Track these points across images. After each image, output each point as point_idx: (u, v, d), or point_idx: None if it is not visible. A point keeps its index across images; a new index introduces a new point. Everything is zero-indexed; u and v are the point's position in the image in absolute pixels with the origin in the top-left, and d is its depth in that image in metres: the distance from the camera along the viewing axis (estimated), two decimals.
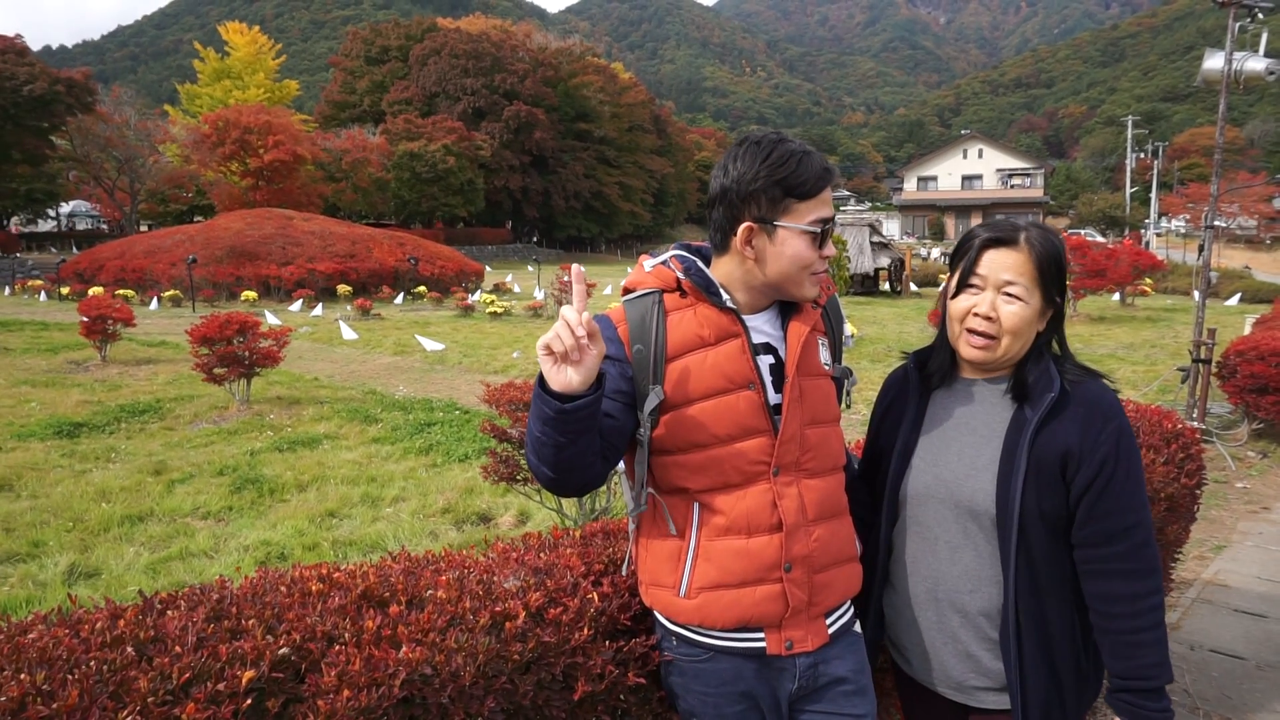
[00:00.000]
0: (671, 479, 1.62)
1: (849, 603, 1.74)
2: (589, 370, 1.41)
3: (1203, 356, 7.84)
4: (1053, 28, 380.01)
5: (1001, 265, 1.65)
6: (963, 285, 1.70)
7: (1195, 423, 7.59)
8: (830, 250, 1.59)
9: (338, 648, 1.34)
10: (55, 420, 8.77)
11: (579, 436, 1.45)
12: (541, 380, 1.43)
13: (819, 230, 1.55)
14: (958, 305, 1.70)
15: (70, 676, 1.18)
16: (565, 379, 1.40)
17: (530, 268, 44.89)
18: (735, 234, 1.56)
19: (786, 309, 1.67)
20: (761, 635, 1.60)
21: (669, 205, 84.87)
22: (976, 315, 1.66)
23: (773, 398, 1.60)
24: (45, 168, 44.25)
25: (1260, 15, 8.01)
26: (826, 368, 1.70)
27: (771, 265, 1.57)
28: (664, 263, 1.65)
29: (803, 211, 1.54)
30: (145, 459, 7.51)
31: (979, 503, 1.67)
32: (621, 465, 1.74)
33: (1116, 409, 1.65)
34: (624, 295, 1.69)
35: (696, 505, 1.61)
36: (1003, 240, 1.67)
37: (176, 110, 59.47)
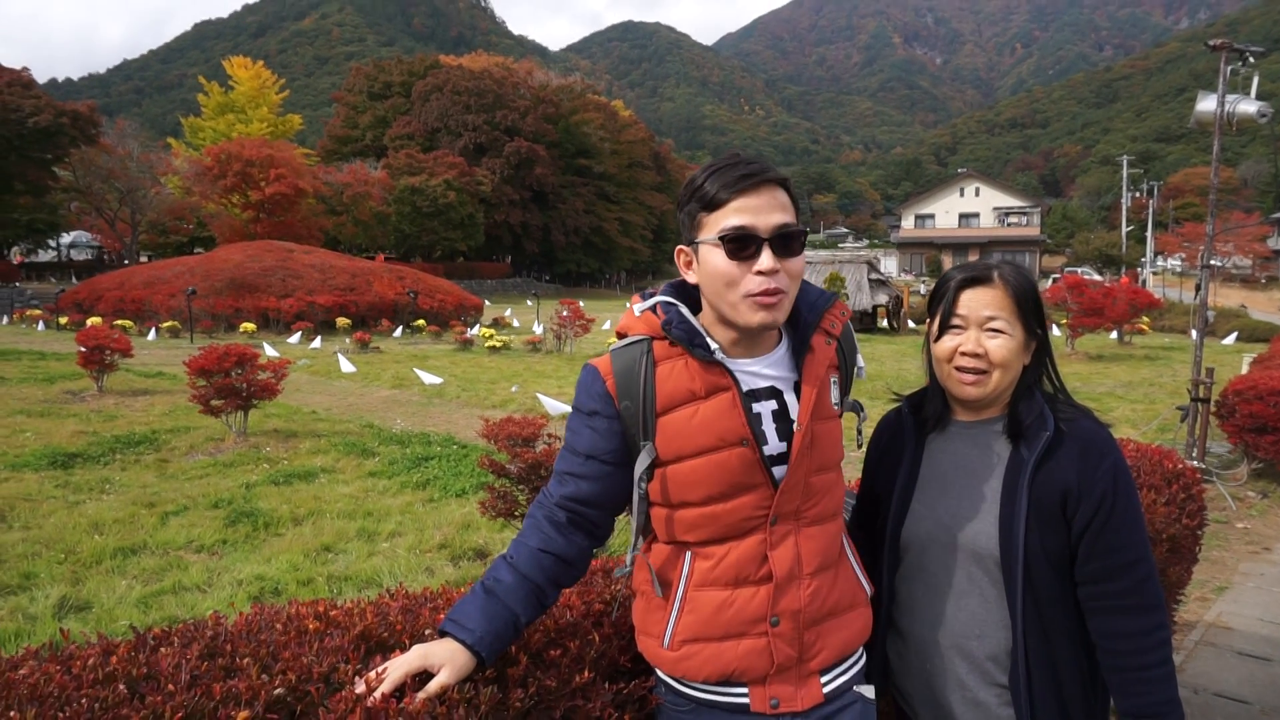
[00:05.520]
0: (668, 531, 1.56)
1: (854, 658, 1.63)
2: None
3: (1201, 395, 7.84)
4: (1047, 69, 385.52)
5: (980, 303, 1.69)
6: (945, 327, 1.73)
7: (1195, 462, 7.57)
8: (764, 264, 1.41)
9: (338, 695, 1.31)
10: (50, 450, 8.72)
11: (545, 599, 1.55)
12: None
13: (723, 239, 1.42)
14: (943, 347, 1.73)
15: (61, 714, 1.16)
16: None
17: (529, 302, 45.01)
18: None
19: (800, 348, 1.56)
20: (745, 690, 1.51)
21: (668, 241, 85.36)
22: (964, 354, 1.69)
23: (775, 447, 1.50)
24: (47, 198, 44.39)
25: (1251, 59, 8.12)
26: (836, 407, 1.61)
27: (705, 287, 1.49)
28: (652, 308, 1.55)
29: (713, 223, 1.44)
30: (139, 491, 7.46)
31: (982, 545, 1.66)
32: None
33: (1111, 445, 1.67)
34: (617, 339, 1.62)
35: (689, 554, 1.54)
36: (978, 279, 1.70)
37: (179, 143, 59.93)
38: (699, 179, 1.48)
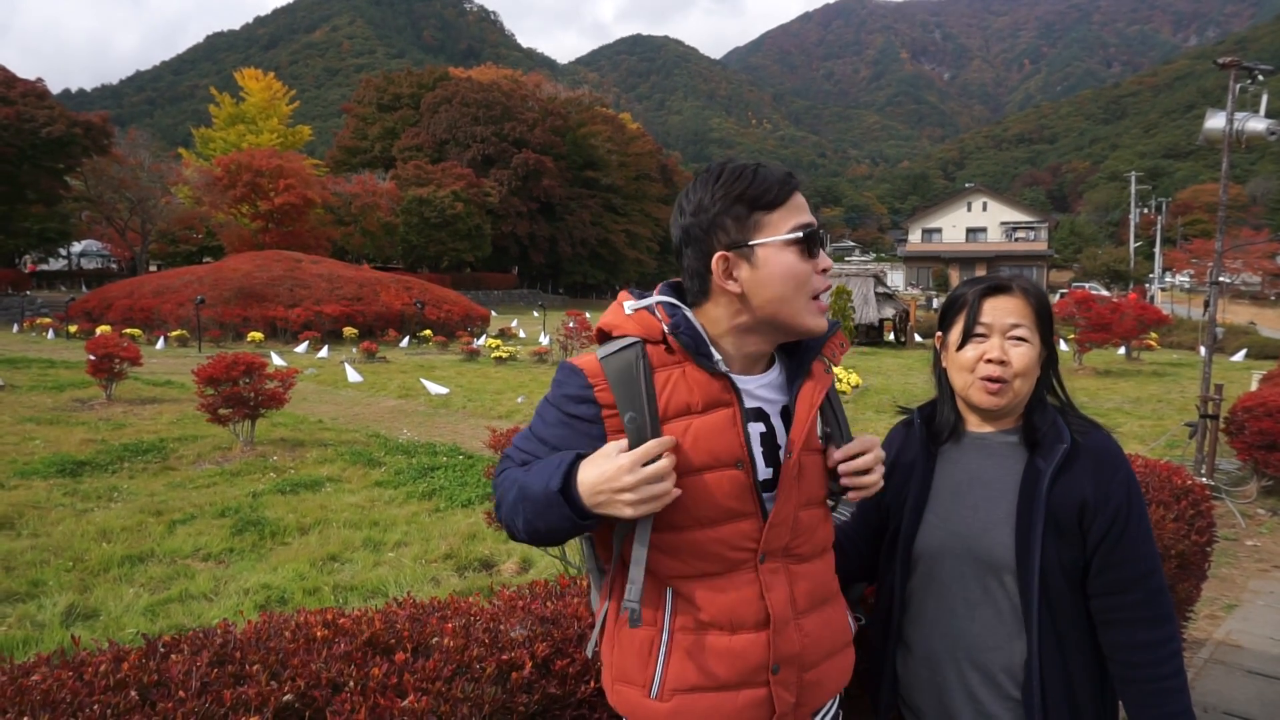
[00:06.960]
0: (651, 559, 1.39)
1: (835, 699, 1.55)
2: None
3: (1210, 412, 7.81)
4: (1055, 85, 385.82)
5: (1005, 311, 1.70)
6: (968, 336, 1.73)
7: (1204, 479, 7.54)
8: (827, 262, 1.39)
9: (343, 695, 1.32)
10: (58, 458, 8.75)
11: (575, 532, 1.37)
12: (566, 488, 1.28)
13: (801, 236, 1.35)
14: (965, 356, 1.73)
15: None
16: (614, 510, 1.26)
17: (536, 313, 45.08)
18: (712, 272, 1.37)
19: (793, 369, 1.47)
20: None
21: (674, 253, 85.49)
22: (989, 361, 1.69)
23: (762, 472, 1.39)
24: (59, 208, 44.64)
25: (1260, 77, 8.13)
26: (820, 441, 1.50)
27: (760, 294, 1.36)
28: (650, 309, 1.41)
29: (777, 222, 1.35)
30: (147, 499, 7.48)
31: (998, 557, 1.66)
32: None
33: (1122, 458, 1.69)
34: (599, 339, 1.45)
35: (670, 591, 1.39)
36: (999, 288, 1.72)
37: (190, 153, 60.36)
38: (743, 177, 1.37)
